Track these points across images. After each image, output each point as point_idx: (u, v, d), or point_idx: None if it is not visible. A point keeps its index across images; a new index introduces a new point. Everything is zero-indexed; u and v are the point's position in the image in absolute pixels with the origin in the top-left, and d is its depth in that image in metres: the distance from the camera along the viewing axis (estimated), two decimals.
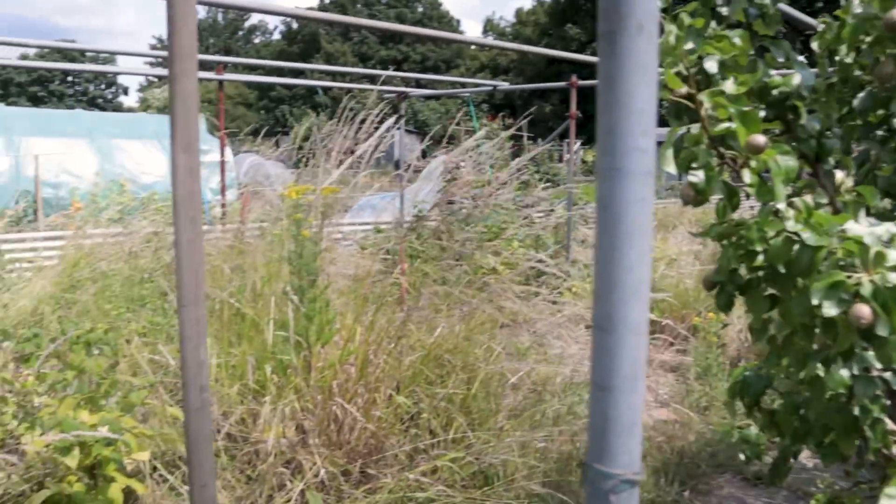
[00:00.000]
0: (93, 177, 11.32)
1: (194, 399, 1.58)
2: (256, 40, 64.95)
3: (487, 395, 3.77)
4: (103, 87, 58.43)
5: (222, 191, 9.11)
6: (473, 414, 3.62)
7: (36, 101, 48.38)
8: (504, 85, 9.81)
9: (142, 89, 58.95)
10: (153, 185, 11.88)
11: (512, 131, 8.22)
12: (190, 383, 1.58)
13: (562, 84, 8.33)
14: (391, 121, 6.61)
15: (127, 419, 2.74)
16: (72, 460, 2.46)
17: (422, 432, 3.54)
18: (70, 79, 53.86)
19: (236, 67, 14.03)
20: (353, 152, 5.71)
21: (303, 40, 56.24)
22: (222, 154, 8.82)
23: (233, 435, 3.45)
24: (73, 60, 15.85)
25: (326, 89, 37.40)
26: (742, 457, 2.21)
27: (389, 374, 3.61)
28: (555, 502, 3.33)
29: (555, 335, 5.79)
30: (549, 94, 39.17)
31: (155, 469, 3.20)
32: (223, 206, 8.95)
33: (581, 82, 7.95)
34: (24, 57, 33.98)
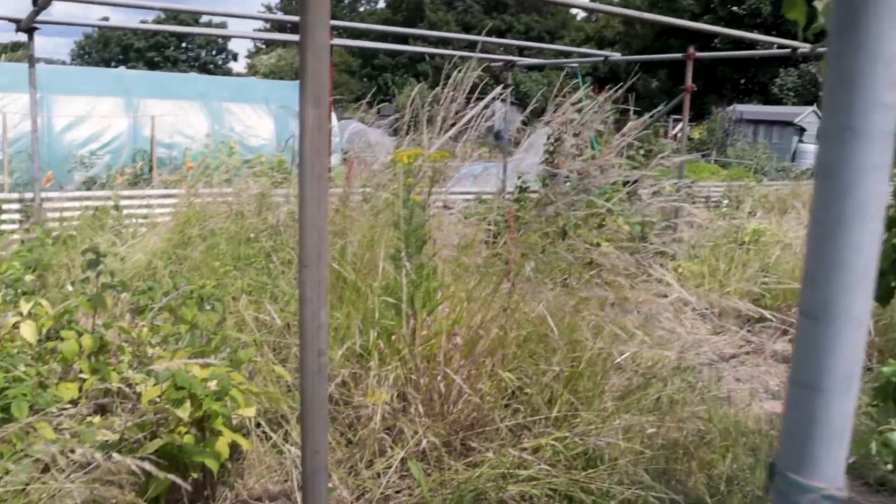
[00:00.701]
0: (204, 138, 11.69)
1: (311, 362, 1.53)
2: (361, 8, 65.50)
3: (593, 374, 3.63)
4: (214, 53, 60.41)
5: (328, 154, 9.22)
6: (579, 393, 3.50)
7: (152, 66, 50.53)
8: (615, 55, 9.45)
9: (250, 56, 60.63)
10: (260, 147, 12.18)
11: (619, 105, 7.92)
12: (308, 346, 1.53)
13: (677, 56, 7.95)
14: (497, 90, 6.46)
15: (235, 375, 2.77)
16: (184, 412, 2.50)
17: (524, 408, 3.45)
18: (184, 45, 55.95)
19: (341, 34, 14.13)
20: (454, 123, 5.62)
21: (407, 8, 56.30)
22: (330, 119, 8.91)
23: (335, 397, 3.46)
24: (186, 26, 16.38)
25: (430, 57, 37.40)
26: (889, 466, 2.01)
27: (495, 347, 3.53)
28: (659, 491, 3.19)
29: (660, 316, 5.56)
30: (657, 69, 37.88)
31: (258, 425, 3.25)
32: (328, 170, 9.06)
33: (699, 54, 7.55)
34: (143, 22, 35.52)
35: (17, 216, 6.81)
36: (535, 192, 9.36)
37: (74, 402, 3.21)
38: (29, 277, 4.21)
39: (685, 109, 7.55)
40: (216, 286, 5.08)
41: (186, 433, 2.61)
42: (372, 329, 3.40)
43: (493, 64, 9.92)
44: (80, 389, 3.12)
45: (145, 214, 7.02)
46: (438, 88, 5.47)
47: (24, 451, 2.09)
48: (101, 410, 3.16)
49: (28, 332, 2.88)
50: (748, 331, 6.11)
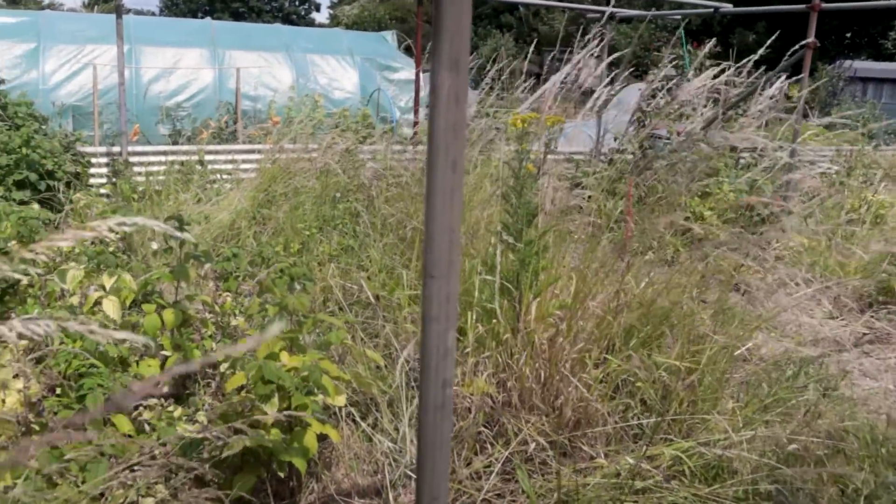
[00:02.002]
0: (288, 91, 11.52)
1: (435, 395, 1.22)
2: None
3: (713, 369, 3.24)
4: (297, 3, 60.42)
5: (415, 111, 8.89)
6: (697, 389, 3.12)
7: (237, 17, 50.89)
8: (727, 6, 8.71)
9: (332, 6, 60.37)
10: (344, 100, 11.93)
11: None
12: (431, 375, 1.22)
13: (800, 7, 7.21)
14: (592, 45, 5.94)
15: (325, 362, 2.51)
16: (271, 407, 2.26)
17: (634, 404, 3.10)
18: None
19: None
20: (545, 78, 5.22)
21: None
22: (417, 72, 8.53)
23: None
24: None
25: (514, 7, 36.33)
26: None
27: (604, 332, 3.18)
28: None
29: (773, 298, 5.07)
30: (755, 22, 35.78)
31: (348, 414, 3.01)
32: (415, 124, 8.74)
33: (825, 5, 6.82)
34: None
35: (104, 170, 6.76)
36: (630, 154, 8.83)
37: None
38: (112, 236, 4.06)
39: (805, 67, 6.87)
40: (299, 250, 4.88)
41: (273, 426, 2.37)
42: (469, 310, 3.09)
43: (588, 15, 9.32)
44: (162, 367, 2.94)
45: (230, 170, 6.87)
46: (524, 41, 5.06)
47: (100, 449, 1.87)
48: (184, 391, 2.97)
49: (111, 307, 2.69)
50: (871, 316, 5.53)
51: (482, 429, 2.90)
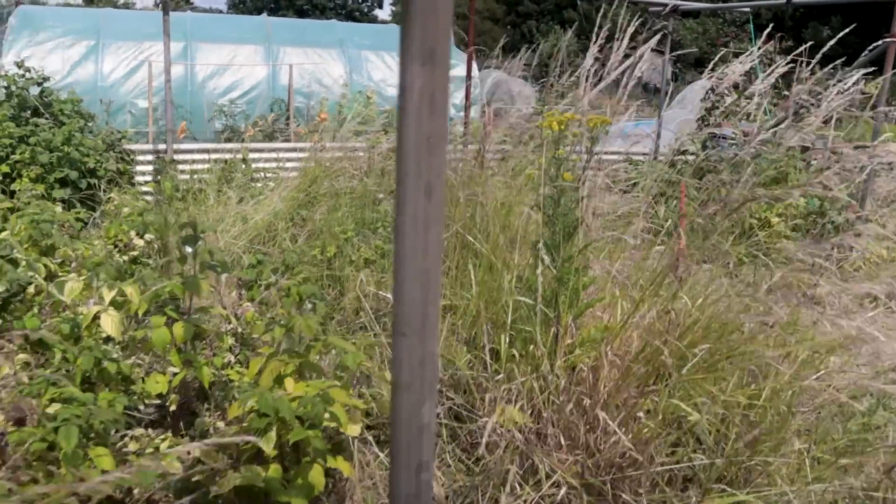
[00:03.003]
0: (341, 87, 11.38)
1: (407, 482, 0.95)
2: None
3: (776, 405, 2.88)
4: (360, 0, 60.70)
5: (466, 108, 8.62)
6: (758, 426, 2.76)
7: (301, 14, 51.38)
8: None
9: (394, 2, 60.44)
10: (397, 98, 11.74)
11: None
12: (402, 456, 0.95)
13: None
14: (654, 39, 5.55)
15: (335, 390, 2.26)
16: (267, 444, 2.02)
17: (686, 440, 2.77)
18: None
19: None
20: (603, 75, 4.89)
21: None
22: (469, 68, 8.25)
23: (454, 409, 2.92)
24: None
25: (576, 2, 35.66)
26: None
27: (653, 357, 2.85)
28: None
29: (850, 318, 4.61)
30: (829, 15, 34.29)
31: (364, 440, 2.76)
32: (465, 124, 8.47)
33: None
34: None
35: (150, 168, 6.70)
36: (693, 154, 8.37)
37: (163, 398, 2.85)
38: (139, 242, 3.91)
39: (888, 62, 6.33)
40: (335, 255, 4.67)
41: (273, 460, 2.14)
42: (503, 332, 2.81)
43: (651, 9, 8.88)
44: (171, 384, 2.75)
45: (274, 169, 6.72)
46: (585, 37, 4.75)
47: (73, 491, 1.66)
48: (191, 413, 2.77)
49: (109, 323, 2.50)
50: None
51: (511, 467, 2.62)
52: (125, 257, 3.77)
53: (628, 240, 4.06)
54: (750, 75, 10.52)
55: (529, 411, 2.77)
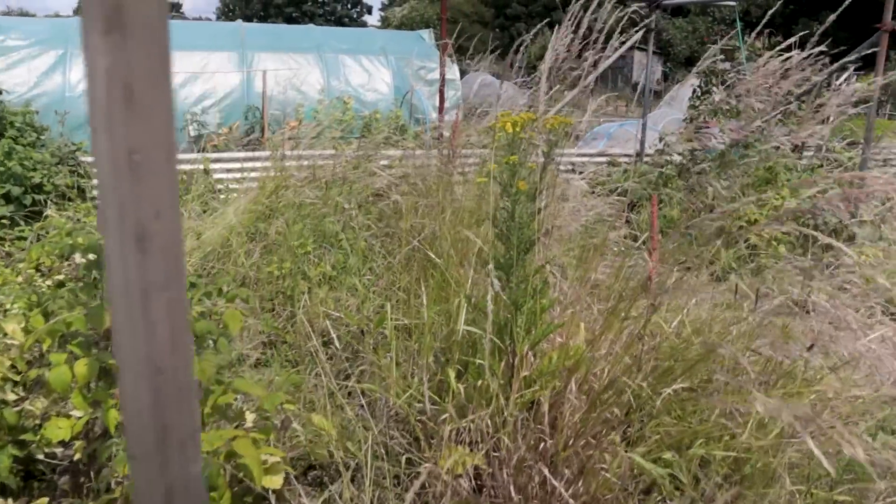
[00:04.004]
0: (318, 94, 11.07)
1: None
2: None
3: (763, 439, 2.54)
4: (349, 6, 60.33)
5: (440, 110, 8.30)
6: (745, 471, 2.43)
7: (291, 21, 51.07)
8: None
9: (383, 8, 60.15)
10: (377, 102, 11.43)
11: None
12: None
13: None
14: (636, 36, 5.24)
15: (242, 443, 1.92)
16: None
17: (661, 488, 2.43)
18: None
19: None
20: (588, 73, 4.60)
21: None
22: (442, 67, 7.93)
23: (396, 450, 2.58)
24: None
25: (567, 3, 35.50)
26: None
27: (623, 393, 2.51)
28: None
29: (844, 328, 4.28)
30: (821, 11, 34.03)
31: (312, 479, 2.43)
32: (439, 127, 8.16)
33: None
34: None
35: None
36: (679, 154, 8.06)
37: (66, 445, 2.52)
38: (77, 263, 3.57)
39: (881, 54, 6.02)
40: (291, 271, 4.33)
41: None
42: (450, 364, 2.47)
43: (631, 4, 8.57)
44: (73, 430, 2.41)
45: (239, 179, 6.39)
46: (571, 36, 4.46)
47: None
48: (93, 461, 2.43)
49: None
50: None
51: None
52: (49, 282, 3.44)
53: (611, 247, 3.75)
54: (739, 72, 10.22)
55: (483, 451, 2.44)
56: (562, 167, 8.57)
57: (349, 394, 3.18)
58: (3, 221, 5.13)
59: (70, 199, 5.72)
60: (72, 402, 2.40)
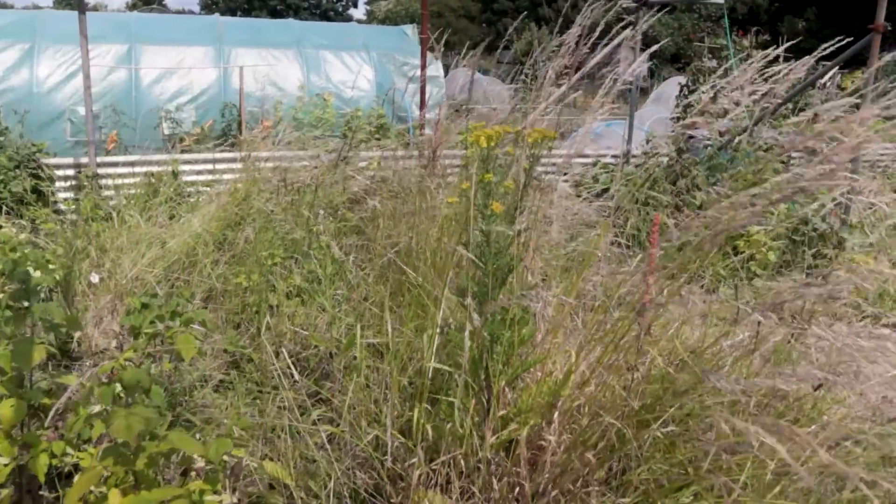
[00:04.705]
0: (297, 90, 10.78)
1: None
2: None
3: (761, 478, 2.34)
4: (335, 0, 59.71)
5: (421, 106, 8.04)
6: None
7: (274, 15, 50.41)
8: None
9: (369, 1, 59.64)
10: (358, 100, 11.17)
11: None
12: None
13: None
14: (624, 34, 5.02)
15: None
16: None
17: None
18: None
19: None
20: (576, 70, 4.37)
21: None
22: (423, 61, 7.65)
23: (362, 495, 2.35)
24: None
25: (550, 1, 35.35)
26: None
27: (609, 433, 2.30)
28: None
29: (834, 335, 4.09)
30: (805, 8, 34.06)
31: None
32: (421, 126, 7.92)
33: None
34: None
35: (71, 183, 6.07)
36: (665, 155, 7.86)
37: None
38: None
39: (873, 53, 5.84)
40: (256, 286, 4.09)
41: None
42: (418, 401, 2.25)
43: (621, 4, 8.35)
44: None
45: (209, 182, 6.12)
46: (558, 34, 4.25)
47: None
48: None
49: None
50: None
51: None
52: None
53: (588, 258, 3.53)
54: (726, 71, 10.01)
55: (455, 496, 2.22)
56: (546, 169, 8.36)
57: (315, 421, 2.95)
58: None
59: (29, 205, 5.44)
60: None
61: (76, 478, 1.75)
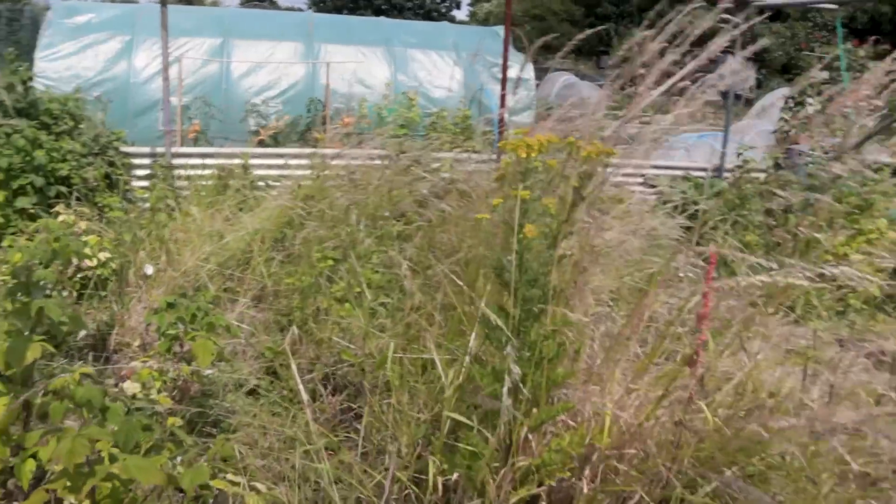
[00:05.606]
0: (384, 88, 10.71)
1: None
2: None
3: None
4: (438, 0, 60.00)
5: (501, 106, 7.72)
6: None
7: (379, 13, 50.94)
8: None
9: (472, 3, 59.59)
10: (445, 100, 11.00)
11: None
12: None
13: None
14: (723, 38, 4.60)
15: None
16: None
17: None
18: None
19: None
20: (669, 75, 4.01)
21: None
22: (504, 63, 7.35)
23: None
24: None
25: (655, 2, 34.36)
26: None
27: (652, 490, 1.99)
28: None
29: None
30: None
31: None
32: (501, 128, 7.63)
33: None
34: None
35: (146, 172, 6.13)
36: (760, 171, 7.32)
37: None
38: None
39: None
40: (307, 288, 3.93)
41: None
42: (434, 448, 1.99)
43: (722, 5, 7.83)
44: None
45: (278, 177, 6.05)
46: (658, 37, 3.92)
47: None
48: None
49: None
50: None
51: None
52: None
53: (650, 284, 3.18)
54: (836, 82, 9.26)
55: None
56: (630, 180, 7.92)
57: (335, 443, 2.74)
58: (31, 212, 4.92)
59: (103, 192, 5.49)
60: None
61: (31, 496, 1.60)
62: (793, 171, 6.84)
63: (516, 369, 1.76)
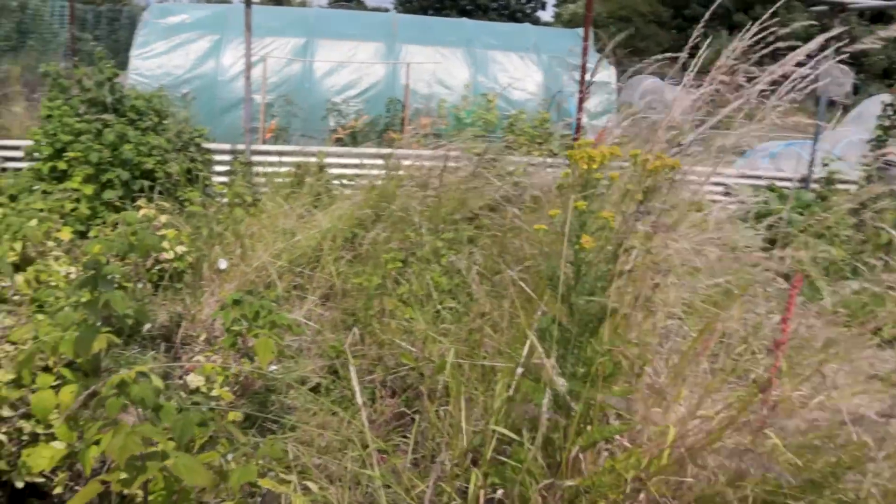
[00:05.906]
0: (463, 89, 10.71)
1: None
2: None
3: None
4: (523, 0, 59.72)
5: (578, 109, 7.59)
6: None
7: (464, 14, 51.08)
8: None
9: (557, 4, 58.99)
10: (525, 102, 10.91)
11: None
12: None
13: None
14: (815, 42, 4.40)
15: None
16: None
17: None
18: None
19: None
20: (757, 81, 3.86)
21: None
22: (583, 65, 7.20)
23: None
24: None
25: (750, 6, 33.35)
26: None
27: None
28: None
29: None
30: None
31: None
32: (577, 132, 7.50)
33: None
34: None
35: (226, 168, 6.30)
36: (851, 182, 6.97)
37: (49, 478, 2.25)
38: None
39: None
40: (374, 289, 3.95)
41: None
42: (479, 467, 1.96)
43: (813, 8, 7.50)
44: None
45: (352, 176, 6.12)
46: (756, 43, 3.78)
47: None
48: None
49: None
50: None
51: None
52: None
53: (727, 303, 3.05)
54: None
55: None
56: (711, 188, 7.65)
57: (389, 446, 2.74)
58: (117, 205, 5.13)
59: (185, 187, 5.67)
60: (55, 431, 2.12)
61: (82, 489, 1.65)
62: (888, 183, 6.47)
63: (562, 382, 1.70)
